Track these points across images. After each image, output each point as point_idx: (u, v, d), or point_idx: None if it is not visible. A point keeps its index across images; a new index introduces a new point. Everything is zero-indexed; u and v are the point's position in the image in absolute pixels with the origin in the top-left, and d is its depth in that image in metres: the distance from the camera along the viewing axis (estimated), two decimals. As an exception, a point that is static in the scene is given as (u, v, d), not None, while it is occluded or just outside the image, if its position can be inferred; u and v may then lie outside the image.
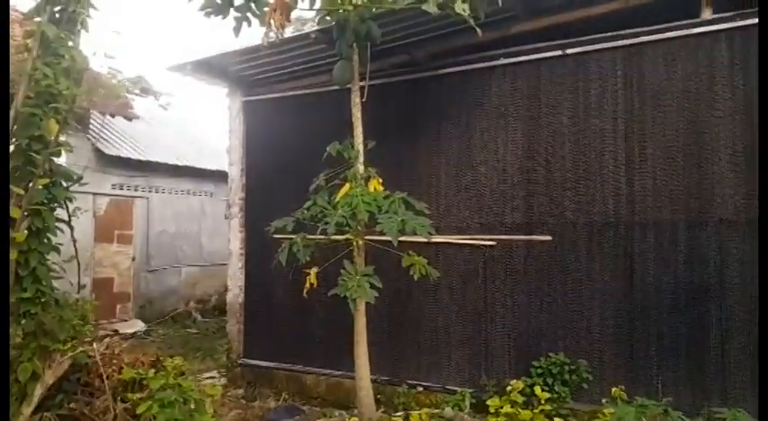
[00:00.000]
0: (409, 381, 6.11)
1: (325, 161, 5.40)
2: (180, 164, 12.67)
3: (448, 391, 5.82)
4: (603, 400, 4.93)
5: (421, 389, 6.05)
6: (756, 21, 4.79)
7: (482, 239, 5.93)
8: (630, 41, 5.29)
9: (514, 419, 4.42)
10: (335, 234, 5.09)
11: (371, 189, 5.20)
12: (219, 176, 11.85)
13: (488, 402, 4.90)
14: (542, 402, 4.86)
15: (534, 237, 5.68)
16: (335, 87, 5.74)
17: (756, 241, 4.77)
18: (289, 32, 6.54)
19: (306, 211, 5.28)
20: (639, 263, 5.22)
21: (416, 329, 6.22)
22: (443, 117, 6.21)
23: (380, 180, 5.33)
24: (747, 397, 4.73)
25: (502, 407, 4.60)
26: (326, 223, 4.89)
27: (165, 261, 12.55)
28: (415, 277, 5.11)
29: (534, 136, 5.73)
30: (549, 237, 5.61)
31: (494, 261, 5.87)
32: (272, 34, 5.46)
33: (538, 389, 5.04)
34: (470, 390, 5.58)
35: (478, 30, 4.92)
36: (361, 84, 5.45)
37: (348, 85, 5.46)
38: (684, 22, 5.08)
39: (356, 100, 5.40)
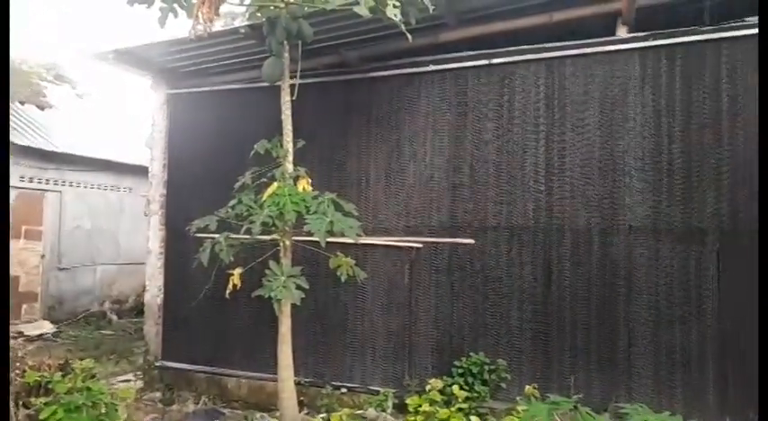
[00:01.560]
0: (333, 383, 6.09)
1: (252, 159, 5.30)
2: (97, 157, 12.03)
3: (372, 392, 5.86)
4: (518, 398, 5.12)
5: (345, 390, 6.05)
6: (666, 42, 5.16)
7: (409, 241, 6.01)
8: (552, 55, 5.53)
9: (432, 418, 4.50)
10: (261, 234, 5.01)
11: (300, 189, 5.15)
12: (140, 171, 11.34)
13: (408, 401, 4.97)
14: (459, 400, 4.97)
15: (458, 239, 5.82)
16: (265, 84, 5.64)
17: (661, 246, 5.11)
18: (219, 26, 6.38)
19: (230, 210, 5.17)
20: (556, 266, 5.46)
21: (342, 330, 6.21)
22: (374, 119, 6.25)
23: (309, 180, 5.29)
24: (650, 392, 5.05)
25: (421, 406, 4.68)
26: (252, 222, 4.81)
27: (79, 259, 11.87)
28: (343, 278, 5.11)
29: (460, 142, 5.88)
30: (472, 241, 5.77)
31: (419, 263, 5.97)
32: (199, 27, 5.31)
33: (456, 388, 5.16)
34: (393, 390, 5.64)
35: (409, 35, 4.99)
36: (292, 82, 5.40)
37: (278, 83, 5.39)
38: (602, 39, 5.38)
39: (286, 98, 5.33)
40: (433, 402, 4.78)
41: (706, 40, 5.04)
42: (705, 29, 5.08)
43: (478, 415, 5.23)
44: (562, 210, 5.47)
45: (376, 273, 6.09)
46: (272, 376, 5.85)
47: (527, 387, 5.13)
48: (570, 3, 5.37)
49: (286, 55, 5.36)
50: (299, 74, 5.52)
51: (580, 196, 5.41)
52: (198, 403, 6.43)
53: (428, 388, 5.20)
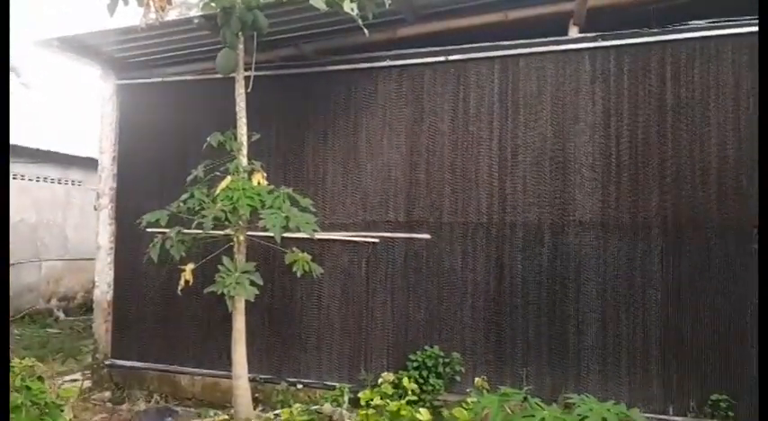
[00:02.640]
0: (289, 379, 6.05)
1: (205, 152, 5.20)
2: (42, 148, 11.55)
3: (328, 387, 5.84)
4: (468, 390, 5.21)
5: (301, 386, 6.01)
6: (615, 43, 5.31)
7: (366, 236, 6.01)
8: (507, 53, 5.62)
9: (383, 411, 4.54)
10: (214, 229, 4.93)
11: (255, 183, 5.09)
12: (90, 164, 10.96)
13: (360, 395, 4.99)
14: (409, 393, 5.02)
15: (414, 235, 5.86)
16: (219, 76, 5.53)
17: (609, 241, 5.27)
18: (174, 15, 6.22)
19: (182, 204, 5.07)
20: (509, 261, 5.57)
21: (298, 326, 6.17)
22: (331, 114, 6.21)
23: (264, 174, 5.23)
24: (598, 383, 5.22)
25: (372, 400, 4.71)
26: (204, 217, 4.73)
27: (22, 254, 11.39)
28: (299, 274, 5.07)
29: (417, 137, 5.91)
30: (428, 236, 5.82)
31: (376, 258, 5.98)
32: (150, 16, 5.17)
33: (405, 381, 5.21)
34: (349, 385, 5.65)
35: (365, 30, 5.00)
36: (247, 74, 5.33)
37: (232, 75, 5.30)
38: (554, 38, 5.49)
39: (240, 90, 5.26)
40: (384, 395, 4.82)
41: (652, 42, 5.22)
42: (651, 31, 5.26)
43: (433, 407, 5.30)
44: (515, 206, 5.57)
45: (333, 268, 6.07)
46: (226, 373, 5.77)
47: (476, 379, 5.24)
48: (525, 2, 5.46)
49: (241, 46, 5.29)
50: (254, 66, 5.45)
51: (532, 192, 5.52)
52: (149, 401, 6.28)
53: (380, 381, 5.24)
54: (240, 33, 5.18)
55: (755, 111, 4.96)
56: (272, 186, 5.08)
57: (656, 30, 5.26)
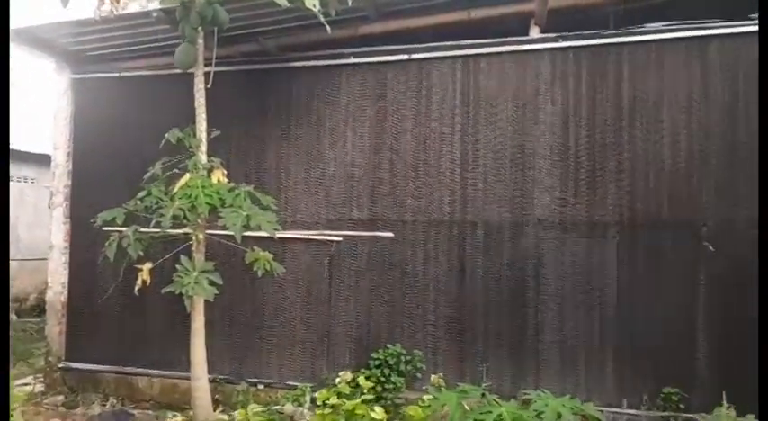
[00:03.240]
0: (250, 379, 5.98)
1: (163, 149, 5.08)
2: (-7, 144, 11.11)
3: (289, 387, 5.79)
4: (424, 387, 5.24)
5: (262, 386, 5.95)
6: (574, 44, 5.40)
7: (328, 235, 5.98)
8: (469, 52, 5.66)
9: (339, 410, 4.52)
10: (173, 228, 4.84)
11: (214, 180, 5.00)
12: (43, 161, 10.58)
13: (316, 394, 4.96)
14: (365, 392, 5.02)
15: (378, 233, 5.86)
16: (178, 71, 5.41)
17: (567, 239, 5.37)
18: (135, 8, 6.05)
19: (139, 202, 4.95)
20: (470, 259, 5.62)
21: (260, 326, 6.10)
22: (294, 110, 6.15)
23: (225, 171, 5.15)
24: (556, 378, 5.31)
25: (329, 399, 4.69)
26: (162, 216, 4.62)
27: (-27, 254, 10.94)
28: (260, 273, 5.01)
29: (380, 135, 5.90)
30: (391, 234, 5.82)
31: (339, 256, 5.95)
32: (104, 8, 5.03)
33: (362, 380, 5.21)
34: (311, 385, 5.60)
35: (328, 26, 4.96)
36: (207, 69, 5.22)
37: (191, 70, 5.19)
38: (515, 38, 5.56)
39: (200, 85, 5.15)
40: (341, 395, 4.80)
41: (609, 44, 5.33)
42: (609, 33, 5.37)
43: (395, 405, 5.32)
44: (476, 204, 5.62)
45: (295, 267, 6.02)
46: (185, 374, 5.65)
47: (433, 376, 5.27)
48: (487, 2, 5.51)
49: (200, 41, 5.18)
50: (214, 61, 5.35)
51: (492, 190, 5.58)
52: (105, 405, 6.11)
53: (337, 380, 5.22)
54: (200, 28, 5.08)
55: (707, 113, 5.12)
56: (232, 184, 5.00)
57: (613, 32, 5.38)
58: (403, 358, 5.52)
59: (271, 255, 5.13)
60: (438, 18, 5.68)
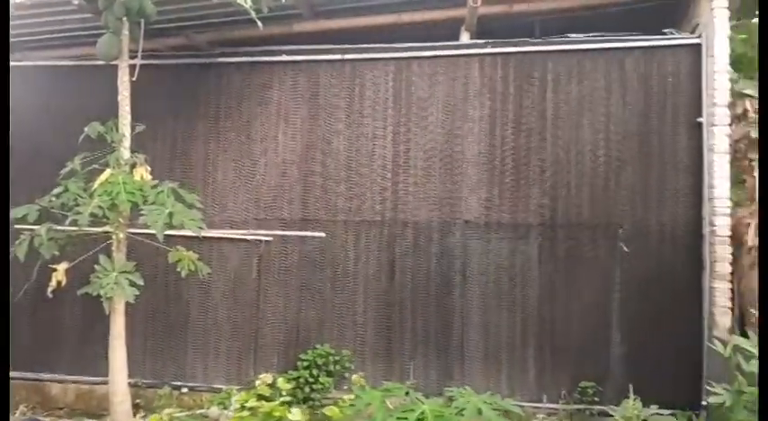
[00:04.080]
0: (174, 383, 5.79)
1: (83, 143, 4.85)
2: None
3: (215, 390, 5.66)
4: (345, 388, 5.26)
5: (186, 389, 5.78)
6: (501, 50, 5.57)
7: (258, 234, 5.88)
8: (401, 55, 5.72)
9: (258, 412, 4.48)
10: (92, 225, 4.62)
11: (137, 177, 4.82)
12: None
13: (235, 398, 4.89)
14: (284, 393, 4.99)
15: (308, 233, 5.82)
16: (101, 62, 5.17)
17: (492, 239, 5.52)
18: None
19: (55, 199, 4.69)
20: (399, 259, 5.68)
21: (184, 328, 5.92)
22: (223, 107, 6.02)
23: (148, 168, 4.96)
24: (481, 375, 5.45)
25: (248, 402, 4.63)
26: (79, 213, 4.40)
27: None
28: (183, 273, 4.87)
29: (312, 134, 5.87)
30: (322, 234, 5.80)
31: (268, 256, 5.87)
32: (19, -7, 4.75)
33: (281, 382, 5.17)
34: (238, 388, 5.50)
35: (259, 23, 4.89)
36: (132, 61, 5.03)
37: (115, 62, 4.98)
38: (446, 43, 5.67)
39: (124, 78, 4.96)
40: (260, 397, 4.75)
41: (535, 52, 5.53)
42: (535, 41, 5.58)
43: (323, 406, 5.29)
44: (406, 205, 5.69)
45: (222, 267, 5.89)
46: (104, 379, 5.41)
47: (354, 376, 5.30)
48: (419, 5, 5.59)
49: (125, 32, 4.99)
50: (140, 54, 5.16)
51: (422, 192, 5.67)
52: (15, 413, 5.76)
53: (257, 383, 5.16)
54: (125, 19, 4.88)
55: (624, 121, 5.39)
56: (155, 181, 4.83)
57: (538, 40, 5.58)
58: (332, 358, 5.51)
59: (196, 255, 5.00)
60: (371, 20, 5.72)
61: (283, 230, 5.86)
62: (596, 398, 5.17)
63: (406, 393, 3.54)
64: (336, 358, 5.51)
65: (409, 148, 5.71)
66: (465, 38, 5.70)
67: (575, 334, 5.37)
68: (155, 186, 4.73)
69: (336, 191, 5.81)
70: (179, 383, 5.81)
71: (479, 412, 3.40)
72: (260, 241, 5.88)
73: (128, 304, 4.80)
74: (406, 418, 3.25)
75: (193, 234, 4.68)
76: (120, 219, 4.77)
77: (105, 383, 5.25)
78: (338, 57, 5.84)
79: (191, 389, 5.78)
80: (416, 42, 5.71)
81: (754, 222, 5.67)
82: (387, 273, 5.69)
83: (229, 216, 5.95)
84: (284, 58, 5.93)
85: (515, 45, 5.57)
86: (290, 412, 4.40)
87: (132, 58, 5.04)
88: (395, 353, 5.63)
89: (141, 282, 4.64)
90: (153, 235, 4.61)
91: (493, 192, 5.54)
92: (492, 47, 5.60)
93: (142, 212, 4.48)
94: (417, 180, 5.68)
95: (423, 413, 3.31)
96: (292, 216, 5.86)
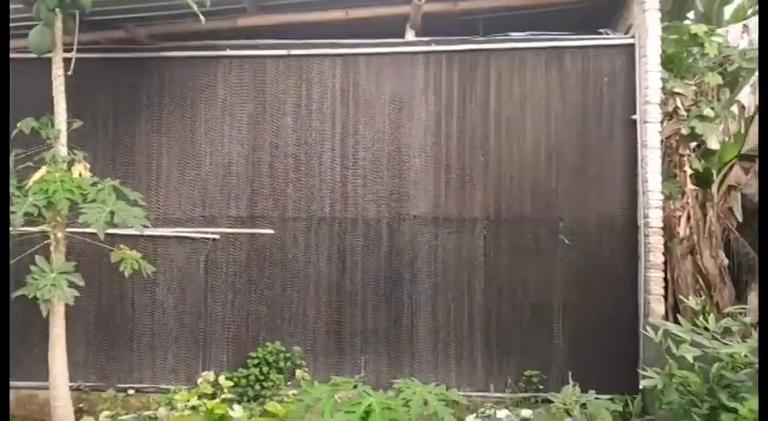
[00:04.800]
0: (119, 385, 5.66)
1: (16, 140, 4.65)
2: None
3: (163, 391, 5.56)
4: (288, 382, 5.27)
5: (133, 391, 5.65)
6: (446, 48, 5.66)
7: (204, 232, 5.80)
8: (348, 51, 5.74)
9: (199, 411, 4.44)
10: (28, 225, 4.46)
11: (76, 174, 4.66)
12: None
13: (176, 397, 4.83)
14: (225, 391, 4.98)
15: (257, 230, 5.78)
16: (34, 55, 4.96)
17: (439, 234, 5.63)
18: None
19: (-16, 198, 4.49)
20: (350, 255, 5.71)
21: (130, 328, 5.78)
22: (167, 103, 5.89)
23: (87, 165, 4.81)
24: (430, 367, 5.56)
25: (189, 401, 4.58)
26: (12, 213, 4.23)
27: None
28: (127, 273, 4.75)
29: (259, 131, 5.83)
30: (271, 231, 5.77)
31: (216, 254, 5.80)
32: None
33: (222, 379, 5.15)
34: (186, 387, 5.41)
35: (202, 17, 4.80)
36: (67, 55, 4.85)
37: (49, 55, 4.79)
38: (391, 40, 5.72)
39: (58, 72, 4.77)
40: (202, 395, 4.71)
41: (478, 50, 5.65)
42: (478, 39, 5.70)
43: (278, 403, 5.27)
44: (356, 201, 5.73)
45: (168, 266, 5.78)
46: (44, 384, 5.22)
47: (297, 371, 5.32)
48: (365, 2, 5.61)
49: (59, 24, 4.80)
50: (75, 47, 4.97)
51: (371, 188, 5.72)
52: (-53, 423, 5.49)
53: (200, 381, 5.11)
54: (57, 10, 4.70)
55: (563, 118, 5.58)
56: (95, 178, 4.69)
57: (481, 39, 5.70)
58: (282, 355, 5.50)
59: (139, 254, 4.88)
60: (317, 15, 5.72)
61: (231, 228, 5.80)
62: (541, 386, 5.35)
63: (355, 386, 3.59)
64: (287, 355, 5.51)
65: (357, 144, 5.74)
66: (410, 35, 5.76)
67: (519, 324, 5.55)
68: (94, 184, 4.59)
69: (285, 187, 5.79)
70: (125, 385, 5.68)
71: (425, 403, 3.49)
72: (207, 239, 5.79)
73: (69, 306, 4.64)
74: (353, 412, 3.29)
75: (137, 232, 4.57)
76: (59, 218, 4.61)
77: (46, 388, 5.07)
78: (284, 52, 5.80)
79: (137, 390, 5.66)
80: (363, 39, 5.74)
81: (684, 214, 5.99)
82: (337, 268, 5.71)
83: (175, 214, 5.84)
84: (229, 52, 5.85)
85: (459, 43, 5.68)
86: (231, 409, 4.37)
87: (68, 51, 4.86)
88: (346, 348, 5.67)
89: (82, 283, 4.50)
90: (95, 234, 4.48)
91: (440, 187, 5.64)
92: (437, 44, 5.69)
93: (82, 211, 4.35)
94: (366, 176, 5.72)
95: (370, 406, 3.36)
96: (240, 213, 5.80)
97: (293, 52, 5.78)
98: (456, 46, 5.66)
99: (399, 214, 5.68)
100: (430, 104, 5.68)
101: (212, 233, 5.80)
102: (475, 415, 5.07)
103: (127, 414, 5.22)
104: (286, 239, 5.78)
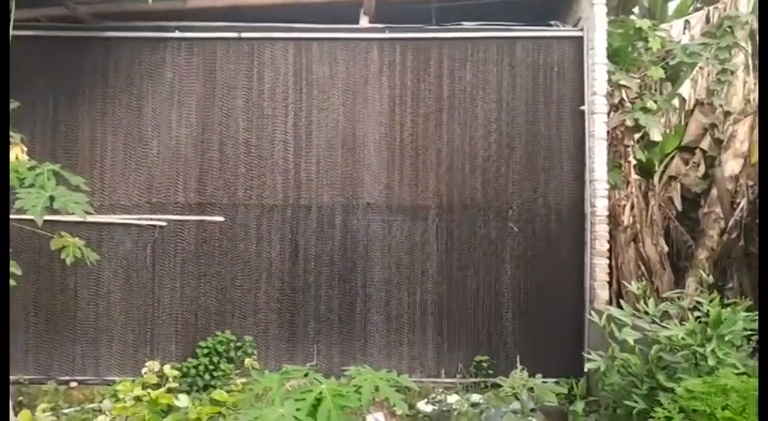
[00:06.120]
0: (61, 377, 5.46)
1: (-56, 121, 4.38)
2: None
3: (108, 383, 5.39)
4: (237, 372, 5.25)
5: (76, 384, 5.46)
6: (400, 35, 5.65)
7: (151, 219, 5.63)
8: (301, 35, 5.65)
9: (142, 401, 4.35)
10: (-42, 211, 4.21)
11: (12, 158, 4.43)
12: None
13: (118, 387, 4.72)
14: (171, 380, 4.90)
15: (206, 217, 5.65)
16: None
17: (393, 221, 5.65)
18: None
19: None
20: (303, 242, 5.66)
21: (72, 319, 5.57)
22: (111, 84, 5.66)
23: (25, 148, 4.58)
24: (383, 354, 5.59)
25: (133, 391, 4.48)
26: (-60, 198, 3.99)
27: None
28: (69, 261, 4.57)
29: (209, 115, 5.68)
30: (221, 218, 5.65)
31: (164, 242, 5.64)
32: None
33: (167, 369, 5.07)
34: (132, 379, 5.27)
35: (148, -5, 4.64)
36: (2, 32, 4.59)
37: (-19, 31, 4.53)
38: (345, 26, 5.66)
39: (-7, 50, 4.51)
40: (146, 385, 4.60)
41: (432, 38, 5.67)
42: (431, 28, 5.71)
43: (228, 393, 5.20)
44: (309, 188, 5.67)
45: (113, 253, 5.59)
46: (-22, 377, 4.99)
47: (246, 360, 5.27)
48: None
49: (-7, 0, 4.53)
50: (12, 23, 4.71)
51: (325, 174, 5.67)
52: None
53: (144, 371, 5.00)
54: (-8, -17, 4.43)
55: (513, 107, 5.66)
56: (34, 162, 4.47)
57: (435, 27, 5.71)
58: (233, 344, 5.42)
59: (82, 242, 4.70)
60: (267, -1, 5.60)
61: (179, 215, 5.65)
62: (490, 371, 5.46)
63: (306, 375, 3.57)
64: (238, 344, 5.43)
65: (311, 131, 5.68)
66: (364, 21, 5.72)
67: (470, 310, 5.64)
68: (32, 168, 4.37)
69: (235, 173, 5.67)
70: (67, 378, 5.48)
71: (377, 389, 3.51)
72: (154, 226, 5.63)
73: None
74: (303, 400, 3.28)
75: (79, 219, 4.40)
76: (-7, 204, 4.38)
77: (-20, 382, 4.85)
78: (234, 35, 5.66)
79: (80, 382, 5.47)
80: (317, 23, 5.66)
81: (628, 203, 6.21)
82: (289, 256, 5.66)
83: (120, 200, 5.64)
84: (177, 34, 5.66)
85: (413, 31, 5.68)
86: (177, 399, 4.28)
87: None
88: (299, 336, 5.63)
89: (19, 272, 4.30)
90: (34, 221, 4.28)
91: (393, 174, 5.65)
92: (390, 32, 5.67)
93: (19, 196, 4.14)
94: (320, 162, 5.67)
95: (321, 393, 3.35)
96: (188, 200, 5.66)
97: (244, 35, 5.64)
98: (410, 34, 5.66)
99: (353, 201, 5.66)
100: (384, 91, 5.67)
101: (159, 220, 5.64)
102: (426, 400, 5.14)
103: (69, 407, 5.03)
104: (236, 226, 5.68)
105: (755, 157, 6.19)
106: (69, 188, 4.39)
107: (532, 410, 4.76)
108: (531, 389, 4.77)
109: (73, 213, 4.26)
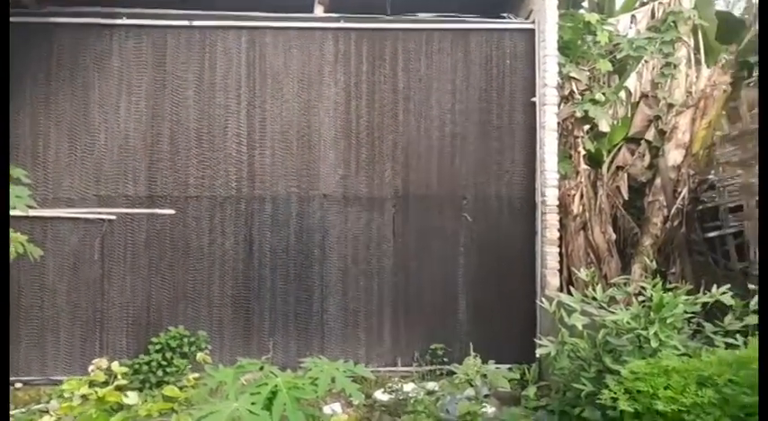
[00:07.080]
0: (4, 378, 5.24)
1: None
2: None
3: (55, 382, 5.22)
4: (189, 367, 5.19)
5: (20, 385, 5.26)
6: (355, 25, 5.62)
7: (99, 213, 5.45)
8: (254, 24, 5.55)
9: (89, 399, 4.24)
10: None
11: (-54, 150, 4.21)
12: None
13: (64, 386, 4.60)
14: (119, 377, 4.81)
15: (156, 210, 5.51)
16: None
17: (349, 213, 5.64)
18: None
19: None
20: (258, 234, 5.60)
21: (15, 317, 5.35)
22: (55, 73, 5.44)
23: (-40, 140, 4.36)
24: (339, 345, 5.61)
25: (79, 390, 4.36)
26: None
27: None
28: (11, 257, 4.37)
29: (159, 105, 5.53)
30: (171, 211, 5.52)
31: (112, 236, 5.48)
32: None
33: (115, 366, 4.97)
34: (80, 378, 5.11)
35: (92, -20, 4.46)
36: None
37: None
38: (300, 15, 5.60)
39: (-77, 36, 4.26)
40: (94, 383, 4.49)
41: (387, 29, 5.66)
42: (387, 18, 5.70)
43: (179, 388, 5.11)
44: (263, 180, 5.60)
45: (59, 249, 5.40)
46: None
47: (198, 354, 5.21)
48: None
49: None
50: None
51: (280, 165, 5.61)
52: None
53: (91, 369, 4.88)
54: None
55: (467, 98, 5.73)
56: (-30, 154, 4.26)
57: (390, 18, 5.71)
58: (186, 340, 5.32)
59: (25, 237, 4.51)
60: (222, -15, 5.48)
61: (128, 208, 5.49)
62: (445, 359, 5.55)
63: (261, 368, 3.54)
64: (192, 339, 5.33)
65: (265, 121, 5.60)
66: (319, 11, 5.66)
67: (426, 299, 5.70)
68: (-31, 160, 4.17)
69: (187, 165, 5.55)
70: (12, 378, 5.27)
71: (333, 380, 3.51)
72: (102, 220, 5.46)
73: (-60, 294, 4.23)
74: (259, 393, 3.25)
75: (21, 213, 4.22)
76: (-74, 199, 4.15)
77: None
78: (185, 23, 5.52)
79: (25, 383, 5.28)
80: (270, 12, 5.56)
81: (578, 193, 6.38)
82: (244, 249, 5.59)
83: (66, 193, 5.44)
84: (125, 21, 5.48)
85: (369, 21, 5.65)
86: (125, 397, 4.19)
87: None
88: (254, 330, 5.58)
89: (-44, 269, 4.10)
90: (-31, 215, 4.08)
91: (349, 165, 5.64)
92: (345, 21, 5.63)
93: (-47, 190, 3.94)
94: (275, 153, 5.61)
95: (276, 386, 3.34)
96: (138, 193, 5.51)
97: (196, 23, 5.51)
98: (365, 24, 5.63)
99: (309, 193, 5.63)
100: (339, 82, 5.64)
101: (108, 213, 5.47)
102: (382, 389, 5.18)
103: (15, 408, 4.85)
104: (188, 219, 5.56)
105: (696, 147, 6.46)
106: (10, 181, 4.21)
107: (486, 396, 4.88)
108: (484, 376, 4.87)
109: (14, 207, 4.10)
